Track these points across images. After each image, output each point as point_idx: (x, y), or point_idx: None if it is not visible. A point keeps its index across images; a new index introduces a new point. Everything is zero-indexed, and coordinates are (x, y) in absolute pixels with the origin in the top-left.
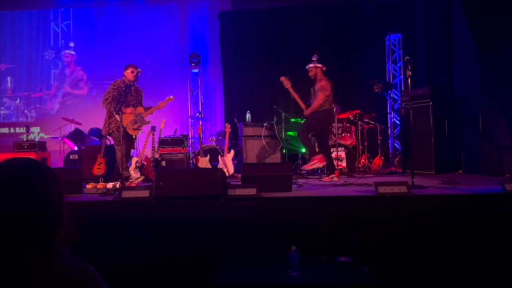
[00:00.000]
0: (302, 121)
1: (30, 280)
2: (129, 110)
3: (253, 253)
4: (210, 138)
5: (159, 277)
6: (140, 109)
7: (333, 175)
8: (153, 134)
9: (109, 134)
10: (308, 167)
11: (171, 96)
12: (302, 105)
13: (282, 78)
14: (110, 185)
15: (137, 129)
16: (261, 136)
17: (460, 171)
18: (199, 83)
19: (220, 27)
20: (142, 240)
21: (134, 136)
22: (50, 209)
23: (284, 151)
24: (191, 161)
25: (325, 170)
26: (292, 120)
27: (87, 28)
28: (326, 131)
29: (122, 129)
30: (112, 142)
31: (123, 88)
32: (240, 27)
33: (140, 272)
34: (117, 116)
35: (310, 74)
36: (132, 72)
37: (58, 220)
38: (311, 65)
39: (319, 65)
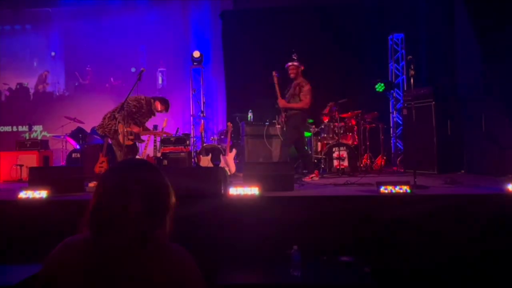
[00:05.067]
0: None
1: (153, 251)
2: (136, 128)
3: (255, 253)
4: (212, 137)
5: None
6: (138, 128)
7: (313, 175)
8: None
9: (104, 135)
10: (307, 179)
11: (165, 120)
12: (279, 95)
13: (274, 73)
14: None
15: (130, 140)
16: (263, 135)
17: (463, 171)
18: (201, 82)
19: (222, 26)
20: None
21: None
22: (170, 193)
23: None
24: (193, 160)
25: (305, 170)
26: None
27: (87, 27)
28: (302, 135)
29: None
30: None
31: (145, 111)
32: (242, 26)
33: None
34: (121, 126)
35: (291, 72)
36: (161, 109)
37: (170, 206)
38: (295, 63)
39: (299, 64)
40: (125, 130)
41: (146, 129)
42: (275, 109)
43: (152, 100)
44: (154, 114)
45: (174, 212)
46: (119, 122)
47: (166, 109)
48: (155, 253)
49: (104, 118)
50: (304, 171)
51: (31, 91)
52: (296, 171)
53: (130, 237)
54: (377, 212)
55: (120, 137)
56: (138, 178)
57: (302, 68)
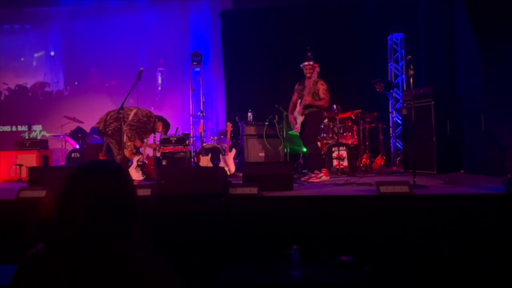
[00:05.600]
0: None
1: (116, 265)
2: (138, 143)
3: (254, 252)
4: (211, 137)
5: None
6: (141, 144)
7: (321, 174)
8: (155, 133)
9: (104, 131)
10: (316, 179)
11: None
12: (307, 93)
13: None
14: None
15: (134, 154)
16: (262, 135)
17: (462, 171)
18: (200, 81)
19: (222, 25)
20: None
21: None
22: (134, 202)
23: (285, 150)
24: (192, 160)
25: (305, 170)
26: None
27: (87, 27)
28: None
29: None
30: None
31: (149, 129)
32: (242, 26)
33: None
34: (128, 140)
35: (307, 72)
36: (161, 131)
37: (135, 214)
38: (311, 63)
39: (313, 63)
40: (132, 144)
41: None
42: (274, 109)
43: (156, 120)
44: (154, 133)
45: (175, 212)
46: (126, 134)
47: (166, 132)
48: (118, 267)
49: (107, 114)
50: (304, 170)
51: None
52: (295, 171)
53: (88, 252)
54: (377, 212)
55: (127, 152)
56: (93, 187)
57: (317, 66)
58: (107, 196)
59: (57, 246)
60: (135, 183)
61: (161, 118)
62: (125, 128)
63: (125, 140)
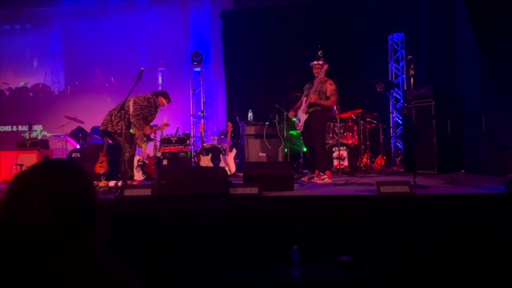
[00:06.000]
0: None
1: (66, 276)
2: (148, 129)
3: (255, 252)
4: (212, 137)
5: (162, 276)
6: (149, 129)
7: (324, 176)
8: (155, 133)
9: (114, 132)
10: (318, 180)
11: (166, 119)
12: (314, 91)
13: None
14: (112, 183)
15: (145, 142)
16: (263, 135)
17: (462, 171)
18: (201, 81)
19: (223, 25)
20: (143, 239)
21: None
22: (90, 205)
23: (286, 150)
24: (193, 159)
25: (306, 170)
26: (294, 119)
27: (87, 27)
28: (324, 133)
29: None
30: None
31: (153, 110)
32: (242, 26)
33: (142, 271)
34: (137, 130)
35: (316, 71)
36: (163, 103)
37: (94, 218)
38: (320, 62)
39: (323, 63)
40: (141, 133)
41: (150, 128)
42: (275, 108)
43: (155, 97)
44: (157, 111)
45: (175, 212)
46: (134, 126)
47: (169, 101)
48: (73, 274)
49: (110, 115)
50: (305, 170)
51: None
52: (296, 171)
53: (39, 258)
54: (377, 212)
55: (139, 142)
56: (45, 184)
57: (327, 66)
58: (62, 197)
59: (5, 251)
60: (135, 183)
61: (159, 93)
62: (132, 120)
63: (134, 132)
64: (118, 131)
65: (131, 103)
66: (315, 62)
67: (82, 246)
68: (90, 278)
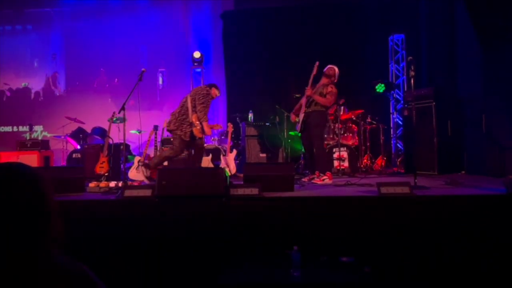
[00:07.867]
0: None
1: (21, 281)
2: (207, 125)
3: (255, 253)
4: (212, 138)
5: (163, 276)
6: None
7: (325, 177)
8: (156, 133)
9: (184, 134)
10: (319, 181)
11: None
12: (310, 84)
13: (317, 63)
14: (112, 183)
15: (201, 133)
16: (263, 135)
17: (463, 171)
18: (201, 82)
19: (223, 26)
20: (144, 239)
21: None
22: (41, 209)
23: (286, 150)
24: None
25: (307, 171)
26: (297, 120)
27: (88, 27)
28: (323, 134)
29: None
30: (114, 141)
31: (209, 100)
32: (243, 27)
33: (143, 271)
34: (197, 122)
35: (328, 72)
36: (216, 94)
37: (48, 221)
38: (335, 66)
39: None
40: (199, 123)
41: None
42: (275, 109)
43: (209, 88)
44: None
45: (176, 213)
46: (198, 114)
47: (219, 92)
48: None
49: (177, 120)
50: (305, 171)
51: (32, 91)
52: (296, 172)
53: None
54: (378, 213)
55: (196, 130)
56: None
57: (337, 72)
58: (15, 203)
59: None
60: (135, 184)
61: (212, 85)
62: (199, 108)
63: (193, 120)
64: (178, 133)
65: (189, 99)
66: (330, 66)
67: (35, 251)
68: (46, 283)
